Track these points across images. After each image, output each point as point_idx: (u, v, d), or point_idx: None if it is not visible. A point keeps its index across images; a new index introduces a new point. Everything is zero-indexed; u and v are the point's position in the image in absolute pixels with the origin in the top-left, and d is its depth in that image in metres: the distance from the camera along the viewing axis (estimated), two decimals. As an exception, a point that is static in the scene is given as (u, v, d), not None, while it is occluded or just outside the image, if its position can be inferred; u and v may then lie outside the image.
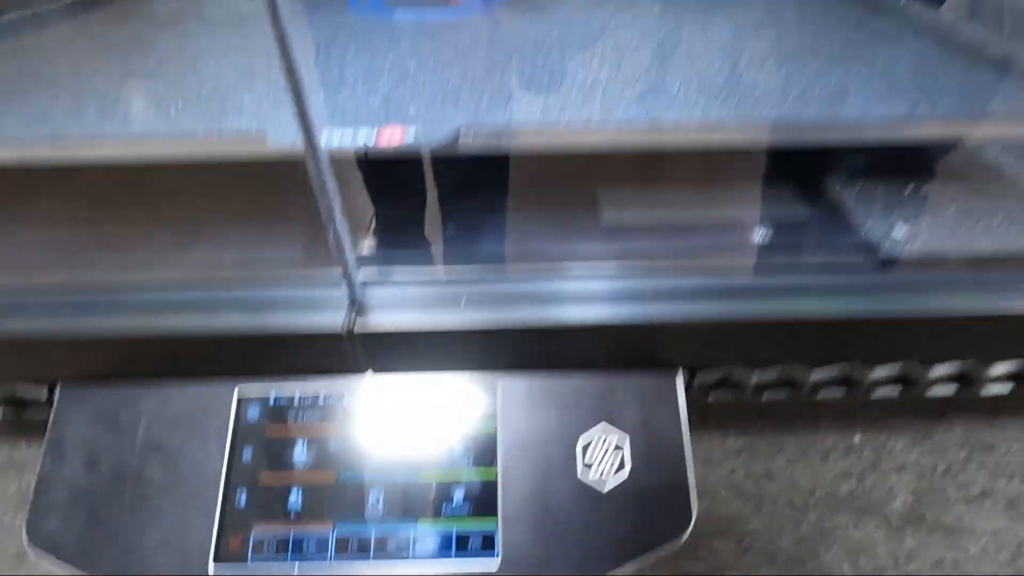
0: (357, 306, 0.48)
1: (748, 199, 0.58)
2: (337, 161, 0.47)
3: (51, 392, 0.51)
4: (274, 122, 0.55)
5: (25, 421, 0.54)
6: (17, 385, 0.52)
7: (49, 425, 0.49)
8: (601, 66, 0.66)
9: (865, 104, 0.55)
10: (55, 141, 0.54)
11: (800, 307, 0.46)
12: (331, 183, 0.40)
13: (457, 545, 0.46)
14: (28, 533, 0.45)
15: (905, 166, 0.57)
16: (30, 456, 0.60)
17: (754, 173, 0.59)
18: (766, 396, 0.53)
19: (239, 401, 0.50)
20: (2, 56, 0.77)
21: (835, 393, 0.53)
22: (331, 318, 0.47)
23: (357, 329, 0.47)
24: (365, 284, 0.50)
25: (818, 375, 0.51)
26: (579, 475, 0.47)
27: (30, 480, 0.47)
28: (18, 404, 0.54)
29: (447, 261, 0.53)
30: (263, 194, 0.57)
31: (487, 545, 0.46)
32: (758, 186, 0.59)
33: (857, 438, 0.65)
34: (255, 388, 0.50)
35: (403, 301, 0.49)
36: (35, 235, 0.55)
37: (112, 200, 0.58)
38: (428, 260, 0.53)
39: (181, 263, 0.52)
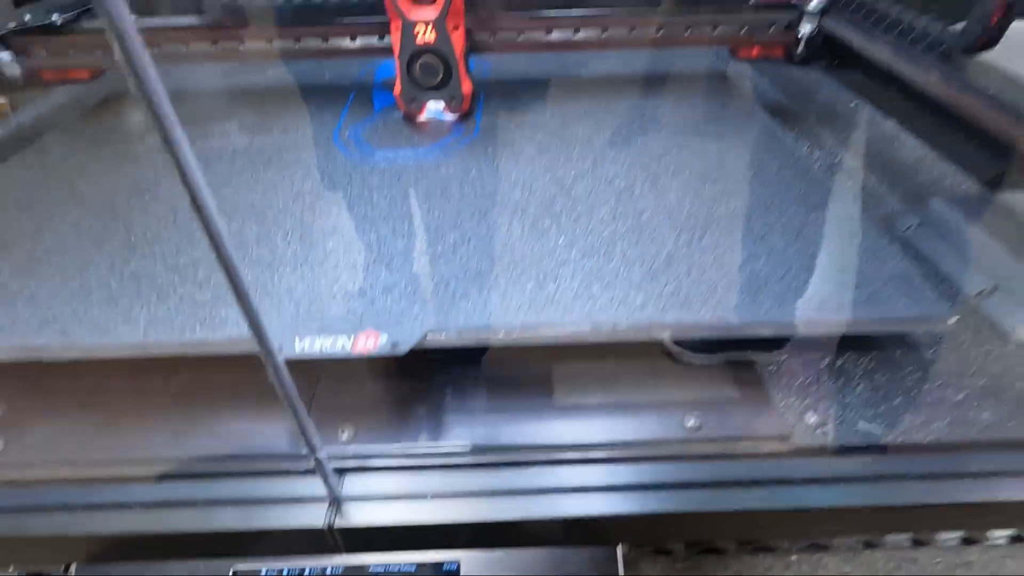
0: (336, 502, 0.54)
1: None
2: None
3: (67, 569, 0.58)
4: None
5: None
6: (37, 564, 0.59)
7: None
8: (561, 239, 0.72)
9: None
10: (61, 344, 0.60)
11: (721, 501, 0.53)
12: (293, 390, 0.45)
13: None
14: None
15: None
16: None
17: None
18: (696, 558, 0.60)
19: None
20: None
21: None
22: (313, 515, 0.54)
23: (336, 525, 0.53)
24: (343, 472, 0.56)
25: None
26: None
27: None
28: (37, 576, 0.60)
29: (419, 443, 0.59)
30: (250, 387, 0.63)
31: None
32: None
33: (794, 557, 0.73)
34: (248, 566, 0.57)
35: (378, 493, 0.55)
36: (40, 430, 0.61)
37: (104, 390, 0.64)
38: (402, 445, 0.59)
39: (176, 458, 0.58)
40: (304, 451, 0.48)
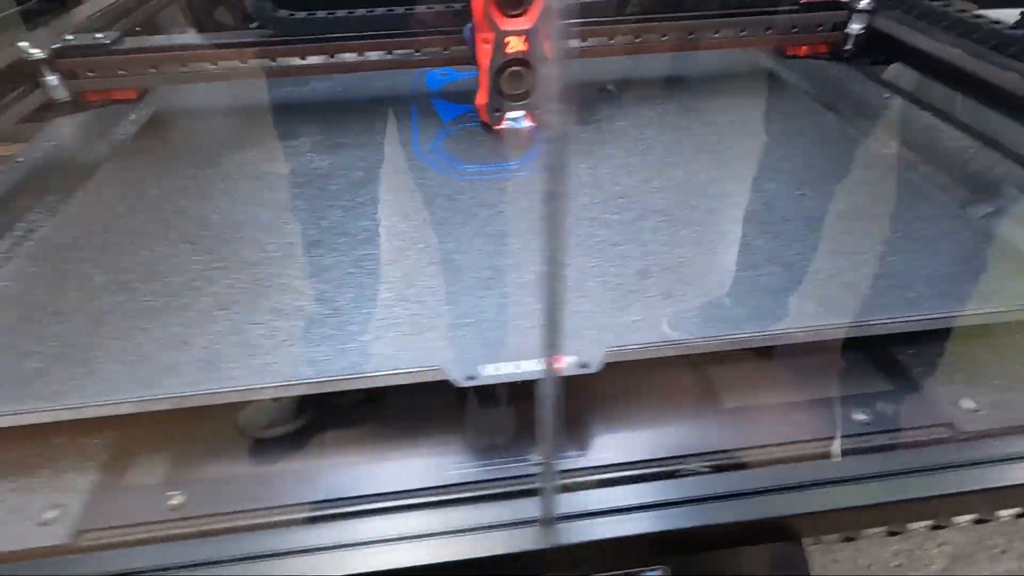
0: (549, 521, 0.55)
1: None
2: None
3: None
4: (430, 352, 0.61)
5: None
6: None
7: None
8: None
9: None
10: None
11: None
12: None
13: None
14: None
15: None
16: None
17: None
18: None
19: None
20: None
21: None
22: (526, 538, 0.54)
23: (549, 545, 0.54)
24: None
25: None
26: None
27: None
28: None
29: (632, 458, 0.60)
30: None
31: None
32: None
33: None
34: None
35: (590, 509, 0.56)
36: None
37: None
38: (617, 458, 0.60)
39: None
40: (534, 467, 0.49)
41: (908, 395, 0.65)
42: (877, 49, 1.15)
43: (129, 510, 0.56)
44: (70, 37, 1.03)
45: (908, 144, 1.04)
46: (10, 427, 0.57)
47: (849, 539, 0.63)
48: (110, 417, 0.58)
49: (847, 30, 1.14)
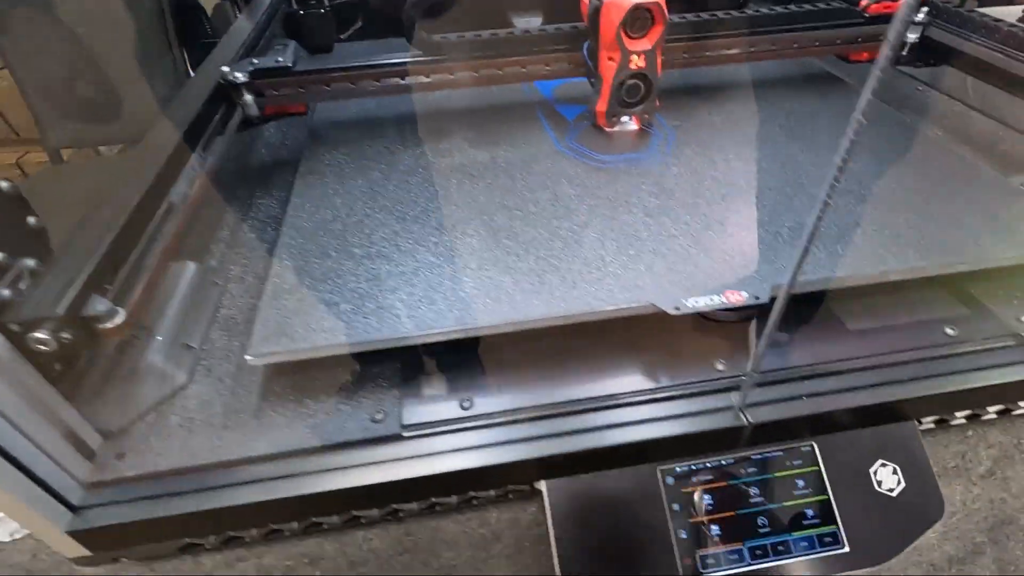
0: (743, 409, 0.77)
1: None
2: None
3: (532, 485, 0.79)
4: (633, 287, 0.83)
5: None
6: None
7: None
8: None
9: None
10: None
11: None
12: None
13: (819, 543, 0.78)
14: None
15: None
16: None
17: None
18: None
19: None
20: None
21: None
22: (724, 419, 0.77)
23: (743, 423, 0.77)
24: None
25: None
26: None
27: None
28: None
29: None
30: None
31: (836, 540, 0.78)
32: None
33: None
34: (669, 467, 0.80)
35: (768, 399, 0.79)
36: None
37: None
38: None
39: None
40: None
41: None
42: (929, 55, 1.38)
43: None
44: (256, 61, 1.23)
45: (952, 130, 1.27)
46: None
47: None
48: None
49: (905, 39, 1.37)
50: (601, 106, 1.22)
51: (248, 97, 1.22)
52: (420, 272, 0.89)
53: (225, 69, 1.19)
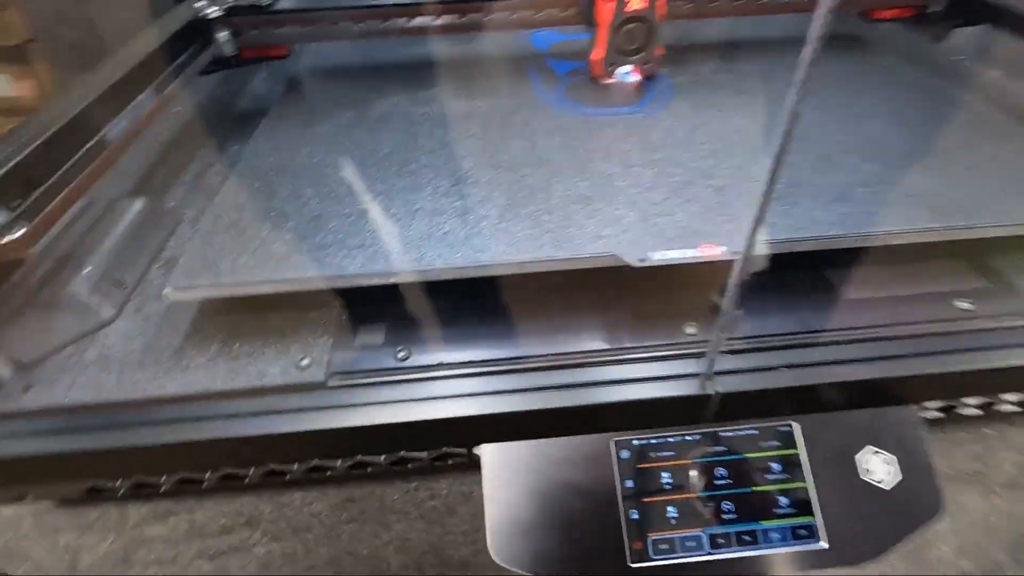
0: (711, 376, 0.68)
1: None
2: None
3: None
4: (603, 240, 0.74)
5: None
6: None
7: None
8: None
9: None
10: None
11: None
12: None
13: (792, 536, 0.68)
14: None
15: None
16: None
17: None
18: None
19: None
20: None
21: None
22: (687, 386, 0.67)
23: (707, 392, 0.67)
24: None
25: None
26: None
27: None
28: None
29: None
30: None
31: (811, 534, 0.68)
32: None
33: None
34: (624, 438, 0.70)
35: (743, 367, 0.69)
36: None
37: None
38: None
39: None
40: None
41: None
42: (959, 13, 1.24)
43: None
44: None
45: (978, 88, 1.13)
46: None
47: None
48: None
49: (933, -5, 1.23)
50: (597, 53, 1.12)
51: (223, 34, 1.16)
52: (367, 216, 0.81)
53: (198, 5, 1.14)
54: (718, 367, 0.68)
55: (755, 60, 1.22)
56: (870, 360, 0.70)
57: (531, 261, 0.72)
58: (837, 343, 0.71)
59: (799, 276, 0.79)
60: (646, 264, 0.70)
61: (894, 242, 0.74)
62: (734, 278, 0.56)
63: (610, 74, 1.14)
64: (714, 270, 0.75)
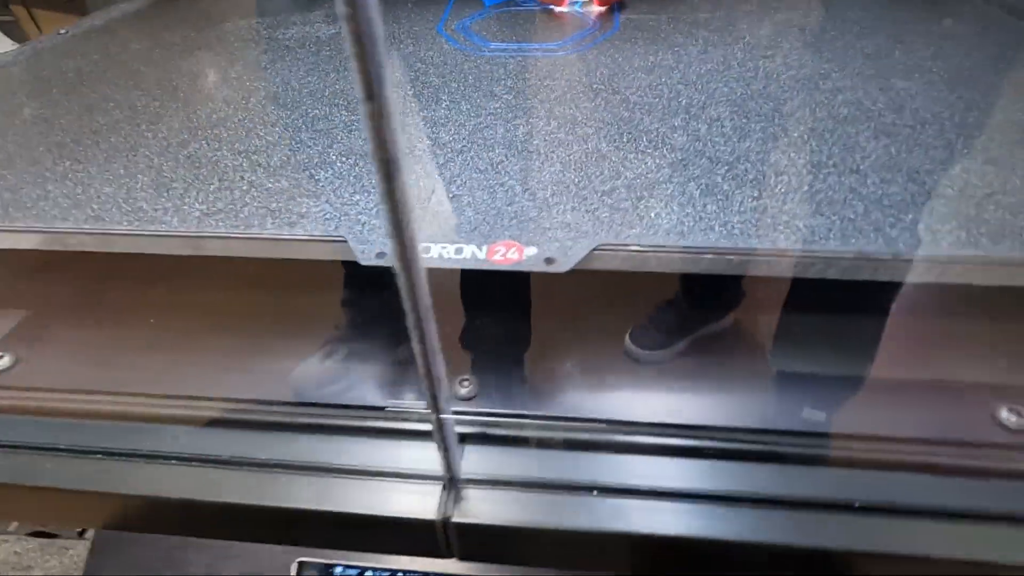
0: (454, 483, 0.36)
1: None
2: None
3: (82, 533, 0.43)
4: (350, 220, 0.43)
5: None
6: (46, 522, 0.44)
7: None
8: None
9: None
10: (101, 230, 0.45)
11: None
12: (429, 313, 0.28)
13: None
14: None
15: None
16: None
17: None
18: None
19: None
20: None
21: None
22: (421, 500, 0.36)
23: (452, 517, 0.36)
24: (464, 440, 0.38)
25: None
26: None
27: None
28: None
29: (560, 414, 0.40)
30: (330, 306, 0.46)
31: None
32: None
33: None
34: (318, 559, 0.40)
35: (510, 477, 0.37)
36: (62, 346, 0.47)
37: (146, 301, 0.49)
38: (538, 407, 0.41)
39: (233, 399, 0.41)
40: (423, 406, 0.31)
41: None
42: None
43: None
44: None
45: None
46: None
47: None
48: None
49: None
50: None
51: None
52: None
53: None
54: (472, 464, 0.37)
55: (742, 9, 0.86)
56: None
57: (232, 236, 0.43)
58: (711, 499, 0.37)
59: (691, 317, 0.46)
60: (372, 264, 0.39)
61: (881, 278, 0.40)
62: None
63: (557, 2, 0.84)
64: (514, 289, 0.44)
